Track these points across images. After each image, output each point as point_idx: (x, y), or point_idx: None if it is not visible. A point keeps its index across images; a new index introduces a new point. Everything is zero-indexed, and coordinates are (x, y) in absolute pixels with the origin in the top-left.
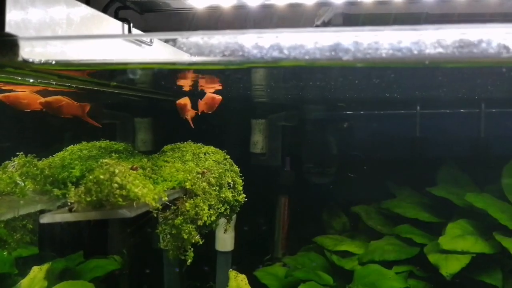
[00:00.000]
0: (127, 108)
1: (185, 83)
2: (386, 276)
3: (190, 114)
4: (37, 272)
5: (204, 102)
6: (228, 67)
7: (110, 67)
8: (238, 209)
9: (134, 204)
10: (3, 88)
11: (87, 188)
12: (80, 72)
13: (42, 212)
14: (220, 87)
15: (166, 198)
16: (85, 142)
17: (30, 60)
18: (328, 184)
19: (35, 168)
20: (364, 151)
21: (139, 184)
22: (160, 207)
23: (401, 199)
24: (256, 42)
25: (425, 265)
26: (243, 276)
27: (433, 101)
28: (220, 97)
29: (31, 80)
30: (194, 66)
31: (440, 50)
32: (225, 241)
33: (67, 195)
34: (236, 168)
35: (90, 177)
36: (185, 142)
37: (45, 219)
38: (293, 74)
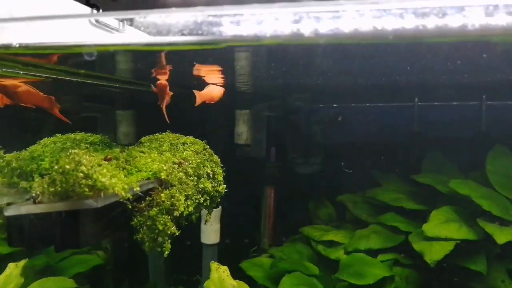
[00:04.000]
0: (108, 100)
1: (163, 76)
2: (371, 264)
3: (167, 98)
4: (13, 269)
5: (207, 94)
6: (187, 47)
7: (71, 50)
8: (219, 200)
9: (102, 194)
10: None
11: (52, 178)
12: (46, 59)
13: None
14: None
15: (138, 188)
16: (60, 134)
17: None
18: (313, 174)
19: (1, 160)
20: (350, 139)
21: (107, 173)
22: (131, 196)
23: (386, 187)
24: (213, 20)
25: (410, 252)
26: (225, 267)
27: (417, 88)
28: (223, 89)
29: None
30: (155, 47)
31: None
32: (210, 233)
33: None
34: (216, 158)
35: (56, 167)
36: (164, 133)
37: (10, 211)
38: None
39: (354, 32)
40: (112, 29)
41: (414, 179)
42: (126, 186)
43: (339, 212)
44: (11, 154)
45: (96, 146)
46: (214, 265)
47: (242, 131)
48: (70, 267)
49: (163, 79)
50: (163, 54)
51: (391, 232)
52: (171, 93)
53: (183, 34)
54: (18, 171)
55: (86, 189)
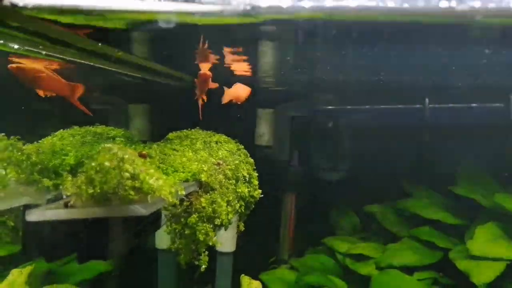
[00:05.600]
0: (121, 92)
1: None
2: (407, 283)
3: (207, 87)
4: (17, 276)
5: (234, 92)
6: None
7: (114, 15)
8: (253, 206)
9: (149, 198)
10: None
11: (89, 178)
12: (81, 32)
13: (27, 207)
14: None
15: (183, 192)
16: (77, 127)
17: (20, 4)
18: (338, 181)
19: (19, 153)
20: (378, 145)
21: (153, 173)
22: (178, 202)
23: (418, 198)
24: None
25: (448, 271)
26: (257, 282)
27: (451, 93)
28: (250, 89)
29: (16, 47)
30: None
31: None
32: (226, 241)
33: (60, 187)
34: (251, 160)
35: (93, 163)
36: (192, 129)
37: (33, 216)
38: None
39: None
40: None
41: (448, 191)
42: (173, 190)
43: (363, 222)
44: (30, 145)
45: (119, 140)
46: (245, 279)
47: (264, 132)
48: (75, 273)
49: (206, 69)
50: (204, 38)
51: (427, 247)
52: (216, 85)
53: None
54: (39, 166)
55: (132, 192)
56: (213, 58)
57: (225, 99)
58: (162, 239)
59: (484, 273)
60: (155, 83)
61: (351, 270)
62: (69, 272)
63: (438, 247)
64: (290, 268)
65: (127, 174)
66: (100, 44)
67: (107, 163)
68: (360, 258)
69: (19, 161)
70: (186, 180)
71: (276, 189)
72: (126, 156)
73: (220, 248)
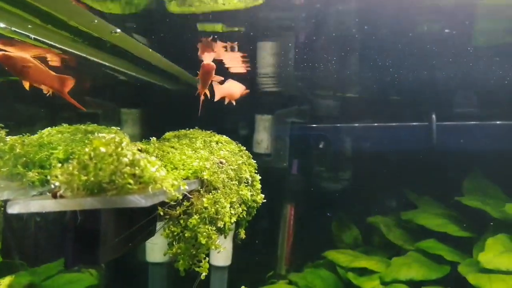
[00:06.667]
0: (113, 96)
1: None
2: None
3: (211, 80)
4: None
5: (227, 89)
6: None
7: None
8: (255, 212)
9: (150, 189)
10: None
11: (82, 164)
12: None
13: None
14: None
15: (186, 187)
16: (66, 124)
17: None
18: (340, 191)
19: (1, 144)
20: (381, 155)
21: (155, 162)
22: (180, 196)
23: (423, 210)
24: None
25: (457, 285)
26: None
27: (455, 103)
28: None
29: (2, 25)
30: None
31: None
32: (220, 254)
33: (49, 179)
34: (253, 162)
35: (86, 149)
36: (191, 129)
37: (15, 207)
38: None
39: None
40: None
41: (454, 202)
42: (175, 183)
43: (365, 235)
44: (14, 137)
45: (115, 130)
46: None
47: (262, 139)
48: (59, 287)
49: (209, 60)
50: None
51: (434, 261)
52: (221, 78)
53: None
54: (24, 159)
55: (130, 181)
56: (215, 46)
57: (217, 96)
58: (153, 251)
59: (496, 287)
60: (149, 86)
61: (354, 285)
62: (52, 286)
63: (445, 261)
64: (288, 283)
65: (125, 160)
66: (96, 20)
67: (103, 149)
68: (364, 272)
69: (1, 152)
70: (186, 178)
71: (274, 199)
72: (125, 141)
73: (214, 261)
